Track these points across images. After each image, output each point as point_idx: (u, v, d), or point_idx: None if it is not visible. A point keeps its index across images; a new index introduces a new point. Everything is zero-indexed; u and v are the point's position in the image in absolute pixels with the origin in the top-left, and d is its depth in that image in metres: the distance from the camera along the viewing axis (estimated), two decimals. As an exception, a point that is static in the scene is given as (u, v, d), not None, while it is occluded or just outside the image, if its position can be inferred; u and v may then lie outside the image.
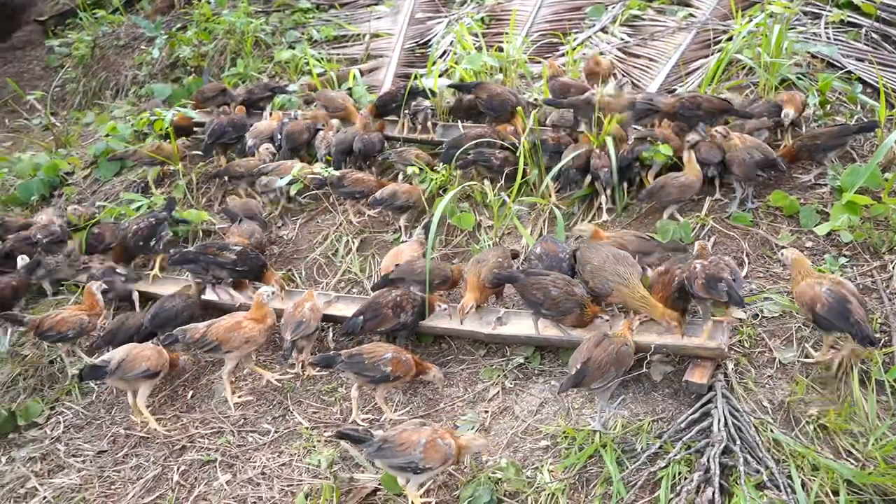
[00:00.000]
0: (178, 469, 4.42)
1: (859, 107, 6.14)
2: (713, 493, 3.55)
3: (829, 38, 7.00)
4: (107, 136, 7.54)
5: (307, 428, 4.55)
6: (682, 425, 3.98)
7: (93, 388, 5.21)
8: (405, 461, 3.77)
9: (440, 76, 7.51)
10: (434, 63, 7.91)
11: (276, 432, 4.61)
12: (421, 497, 3.92)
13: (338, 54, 8.76)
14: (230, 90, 7.79)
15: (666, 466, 3.76)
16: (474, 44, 7.71)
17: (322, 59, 8.27)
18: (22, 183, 7.35)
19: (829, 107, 6.07)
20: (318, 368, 4.88)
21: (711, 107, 5.61)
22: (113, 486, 4.43)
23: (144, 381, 4.79)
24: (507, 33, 7.67)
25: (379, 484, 4.06)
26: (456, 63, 7.35)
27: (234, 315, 4.93)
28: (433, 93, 6.86)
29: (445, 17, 9.08)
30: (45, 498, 4.41)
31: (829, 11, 7.33)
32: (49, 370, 5.44)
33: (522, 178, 5.71)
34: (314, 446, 4.42)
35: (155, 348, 4.90)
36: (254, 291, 5.20)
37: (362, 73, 8.05)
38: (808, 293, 4.04)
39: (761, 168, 5.21)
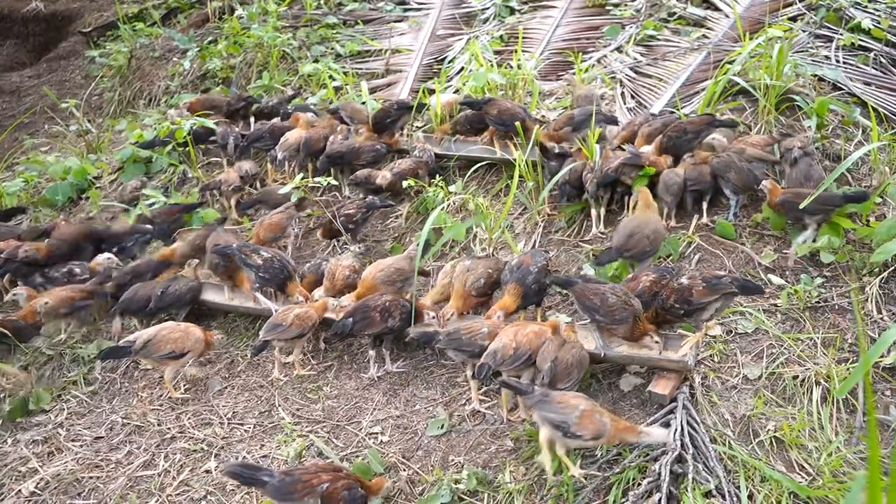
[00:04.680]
0: (164, 456, 4.67)
1: (860, 130, 6.17)
2: (660, 499, 3.65)
3: (838, 61, 7.03)
4: (135, 142, 7.91)
5: (289, 423, 4.76)
6: (642, 434, 4.08)
7: (97, 377, 5.50)
8: (560, 419, 3.82)
9: (454, 92, 7.76)
10: (449, 80, 8.16)
11: (259, 426, 4.84)
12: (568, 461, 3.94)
13: (359, 69, 9.04)
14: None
15: (620, 472, 3.88)
16: (491, 61, 7.90)
17: (340, 72, 8.55)
18: (51, 185, 7.74)
19: (827, 129, 6.12)
20: (417, 343, 4.88)
21: None
22: (105, 470, 4.69)
23: (169, 363, 5.07)
24: (517, 51, 7.84)
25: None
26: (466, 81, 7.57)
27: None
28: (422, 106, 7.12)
29: (466, 34, 9.30)
30: (42, 478, 4.69)
31: (841, 35, 7.36)
32: (59, 361, 5.75)
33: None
34: (294, 440, 4.63)
35: (185, 329, 5.14)
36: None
37: (376, 89, 8.32)
38: None
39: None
